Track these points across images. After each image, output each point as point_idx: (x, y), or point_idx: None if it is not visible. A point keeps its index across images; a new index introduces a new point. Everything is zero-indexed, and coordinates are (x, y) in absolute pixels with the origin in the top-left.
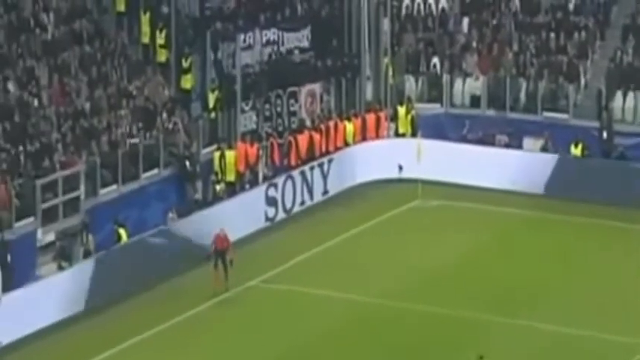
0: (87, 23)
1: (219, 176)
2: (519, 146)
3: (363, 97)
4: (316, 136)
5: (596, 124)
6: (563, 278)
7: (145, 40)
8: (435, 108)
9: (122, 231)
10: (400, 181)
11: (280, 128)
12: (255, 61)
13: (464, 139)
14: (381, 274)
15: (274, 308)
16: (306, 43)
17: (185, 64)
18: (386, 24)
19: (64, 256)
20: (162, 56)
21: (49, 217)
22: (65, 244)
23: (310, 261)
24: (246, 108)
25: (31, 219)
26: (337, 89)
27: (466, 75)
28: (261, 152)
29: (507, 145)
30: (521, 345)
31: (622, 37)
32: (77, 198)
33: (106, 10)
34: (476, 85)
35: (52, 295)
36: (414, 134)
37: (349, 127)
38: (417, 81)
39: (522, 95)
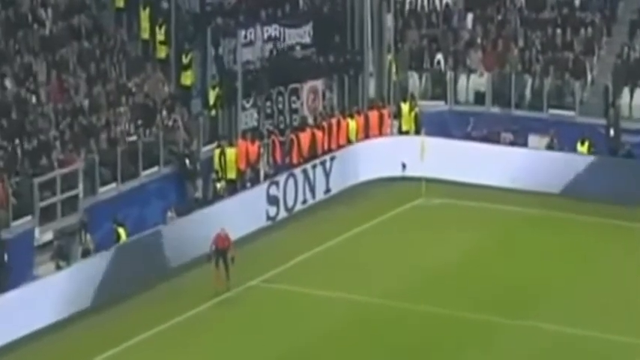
0: (85, 19)
1: (220, 174)
2: (524, 144)
3: (365, 94)
4: (318, 134)
5: (602, 121)
6: (568, 278)
7: (145, 36)
8: (438, 105)
9: (121, 230)
10: (403, 179)
11: (282, 126)
12: (257, 58)
13: (468, 137)
14: (383, 274)
15: (275, 308)
16: (308, 39)
17: (185, 61)
18: (389, 20)
19: (62, 256)
20: (162, 52)
21: (46, 215)
22: (63, 243)
23: (312, 260)
24: (247, 105)
25: (29, 218)
26: (340, 86)
27: (470, 71)
28: (262, 150)
29: (512, 143)
30: (525, 345)
31: (629, 32)
32: (75, 196)
33: (105, 6)
34: (480, 81)
35: (50, 295)
36: (417, 132)
37: (352, 124)
38: (420, 78)
39: (528, 92)
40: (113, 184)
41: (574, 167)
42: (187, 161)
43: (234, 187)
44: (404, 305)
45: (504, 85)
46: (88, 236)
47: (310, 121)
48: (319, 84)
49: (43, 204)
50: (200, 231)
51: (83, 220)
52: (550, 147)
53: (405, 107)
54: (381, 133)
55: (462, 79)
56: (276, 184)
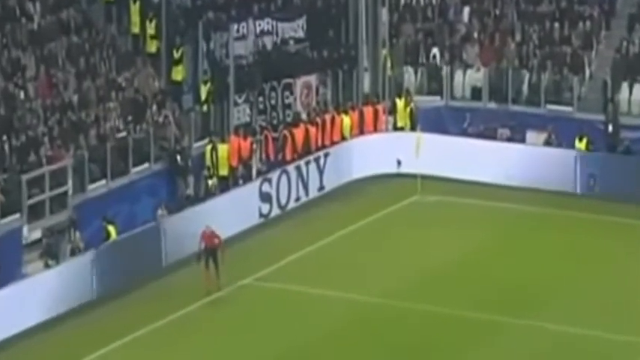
0: (74, 13)
1: (212, 171)
2: (522, 140)
3: (360, 89)
4: (312, 130)
5: (601, 117)
6: (568, 276)
7: (135, 30)
8: (434, 100)
9: (111, 228)
10: (399, 176)
11: (275, 121)
12: (249, 52)
13: (464, 133)
14: (379, 273)
15: (268, 307)
16: (301, 34)
17: (176, 55)
18: (384, 14)
19: (50, 254)
20: (152, 47)
21: (35, 213)
22: (52, 241)
23: (306, 259)
24: (240, 100)
25: (17, 215)
26: (334, 81)
27: (467, 66)
28: (254, 146)
29: (509, 139)
30: (526, 345)
31: (628, 26)
32: (64, 193)
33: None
34: (477, 76)
35: (39, 294)
36: (413, 128)
37: (346, 120)
38: (416, 73)
39: (525, 87)
40: (103, 181)
41: (572, 164)
42: (178, 158)
43: (226, 184)
44: (401, 304)
45: (501, 81)
46: (78, 234)
47: (304, 116)
48: (313, 79)
49: (32, 201)
50: (192, 228)
51: (72, 217)
52: (548, 143)
53: (400, 103)
54: (375, 130)
55: (459, 74)
56: (269, 181)
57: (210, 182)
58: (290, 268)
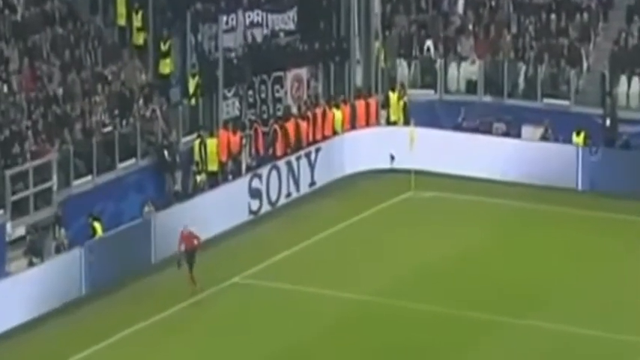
0: (59, 4)
1: (200, 166)
2: (518, 135)
3: (352, 82)
4: (303, 124)
5: (599, 110)
6: (566, 274)
7: (121, 21)
8: (428, 94)
9: (97, 224)
10: (392, 171)
11: (265, 116)
12: (239, 45)
13: (459, 127)
14: (372, 270)
15: (259, 307)
16: (292, 26)
17: (164, 48)
18: (377, 5)
19: (35, 252)
20: (139, 39)
21: (19, 209)
22: (36, 238)
23: (297, 256)
24: (229, 94)
25: (0, 212)
26: (325, 74)
27: (462, 59)
28: (244, 141)
29: (505, 134)
30: (524, 345)
31: (626, 18)
32: (49, 189)
33: None
34: (472, 69)
35: (23, 292)
36: (406, 122)
37: (338, 114)
38: (409, 66)
39: (521, 80)
40: (88, 177)
41: (569, 159)
42: (166, 153)
43: (215, 180)
44: (395, 303)
45: (497, 74)
46: (63, 231)
47: (294, 110)
48: (304, 72)
49: (15, 197)
50: (180, 225)
51: (57, 214)
52: (544, 138)
53: (393, 96)
54: (368, 124)
55: (453, 67)
56: (259, 176)
57: (198, 178)
58: (281, 266)
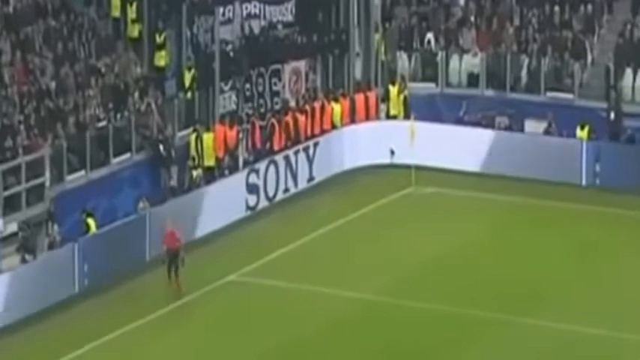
0: None
1: (196, 161)
2: (521, 129)
3: (351, 75)
4: (301, 118)
5: (603, 104)
6: (568, 272)
7: (116, 13)
8: (429, 87)
9: (90, 221)
10: (392, 166)
11: (262, 109)
12: (235, 37)
13: (461, 121)
14: (371, 268)
15: (256, 305)
16: (290, 17)
17: (159, 40)
18: None
19: (27, 248)
20: (134, 31)
21: (11, 205)
22: (28, 235)
23: (294, 254)
24: (225, 87)
25: None
26: (324, 67)
27: (463, 52)
28: (241, 135)
29: (508, 128)
30: (525, 344)
31: (632, 9)
32: (42, 185)
33: None
34: (474, 62)
35: (15, 290)
36: (406, 116)
37: (337, 108)
38: (410, 58)
39: (524, 74)
40: (82, 172)
41: (573, 153)
42: (161, 147)
43: (211, 175)
44: (394, 301)
45: (499, 67)
46: (55, 227)
47: (292, 104)
48: (302, 65)
49: (7, 193)
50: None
51: (50, 210)
52: (548, 132)
53: (393, 90)
54: (367, 118)
55: (454, 60)
56: (256, 171)
57: (194, 173)
58: (278, 264)
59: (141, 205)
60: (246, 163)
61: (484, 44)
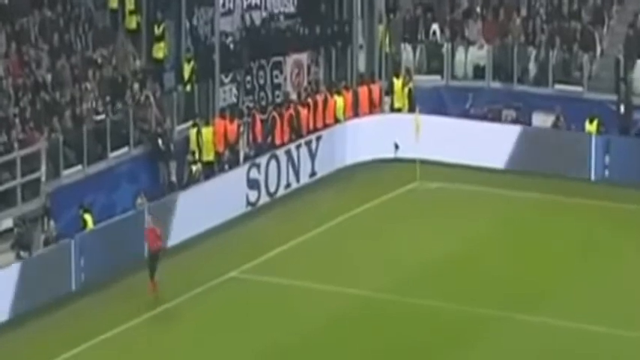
0: None
1: (196, 156)
2: (528, 122)
3: (355, 68)
4: (303, 112)
5: (613, 97)
6: (575, 269)
7: (113, 4)
8: (434, 80)
9: (87, 216)
10: (396, 161)
11: (263, 102)
12: (236, 28)
13: (467, 115)
14: (375, 265)
15: (257, 302)
16: (292, 8)
17: (157, 32)
18: None
19: (22, 245)
20: (132, 22)
21: (6, 200)
22: (24, 231)
23: (296, 250)
24: (226, 80)
25: None
26: (327, 59)
27: (469, 43)
28: (242, 129)
29: (515, 121)
30: (531, 342)
31: None
32: (37, 180)
33: None
34: (480, 54)
35: (10, 287)
36: (411, 109)
37: (340, 101)
38: (414, 50)
39: (531, 66)
40: (79, 167)
41: (582, 147)
42: (160, 141)
43: (211, 170)
44: (397, 298)
45: (506, 58)
46: (52, 223)
47: (294, 97)
48: (304, 57)
49: (2, 188)
50: (176, 216)
51: (46, 205)
52: (556, 125)
53: (397, 83)
54: (371, 111)
55: (460, 52)
56: (257, 166)
57: (194, 168)
58: (279, 260)
59: (139, 200)
60: (246, 158)
61: (491, 36)
